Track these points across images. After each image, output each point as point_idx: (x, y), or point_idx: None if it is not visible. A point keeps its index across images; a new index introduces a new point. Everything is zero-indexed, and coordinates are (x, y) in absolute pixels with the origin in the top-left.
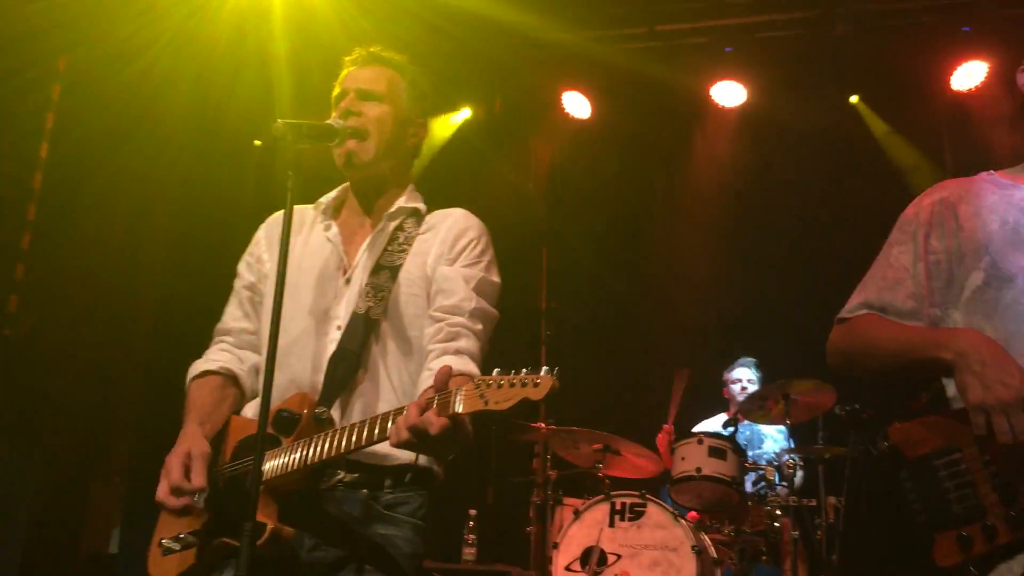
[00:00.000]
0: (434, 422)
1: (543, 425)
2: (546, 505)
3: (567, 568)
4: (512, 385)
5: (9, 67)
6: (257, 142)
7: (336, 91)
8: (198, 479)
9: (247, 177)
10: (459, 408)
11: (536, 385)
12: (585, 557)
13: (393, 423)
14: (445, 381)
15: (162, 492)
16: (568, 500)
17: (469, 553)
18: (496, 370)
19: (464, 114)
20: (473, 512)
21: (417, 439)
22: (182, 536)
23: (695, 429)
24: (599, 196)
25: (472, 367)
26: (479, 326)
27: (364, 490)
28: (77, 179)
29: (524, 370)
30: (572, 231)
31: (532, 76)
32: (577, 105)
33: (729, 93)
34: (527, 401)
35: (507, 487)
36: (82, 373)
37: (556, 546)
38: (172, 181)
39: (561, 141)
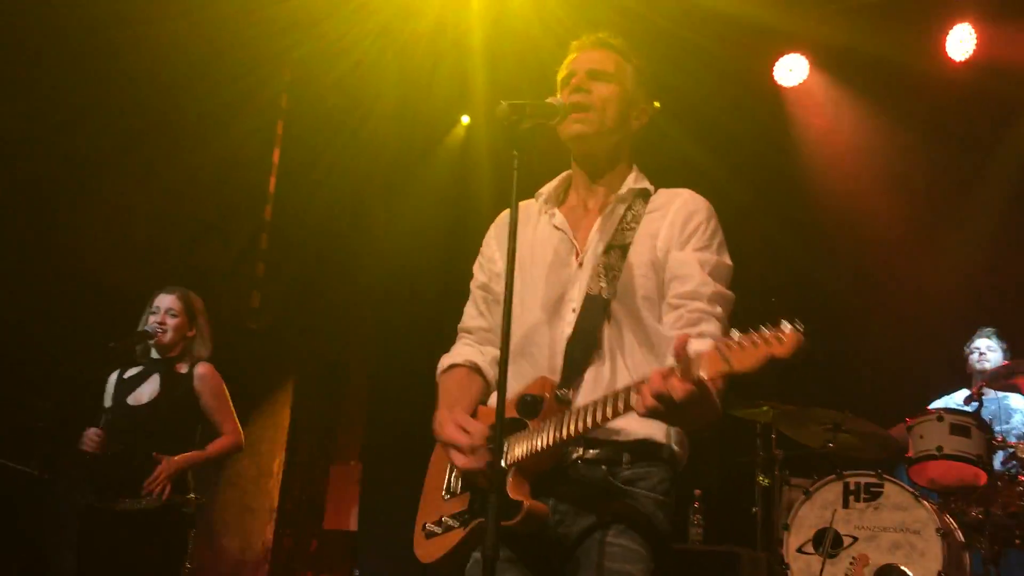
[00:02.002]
0: (678, 387)
1: (768, 404)
2: (773, 485)
3: (799, 550)
4: (755, 344)
5: (246, 86)
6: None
7: (563, 73)
8: (476, 427)
9: (443, 166)
10: (702, 372)
11: (781, 341)
12: (818, 539)
13: (637, 393)
14: (683, 349)
15: (461, 462)
16: (795, 480)
17: (696, 533)
18: (735, 332)
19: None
20: (698, 492)
21: (664, 405)
22: (443, 519)
23: (932, 406)
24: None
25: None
26: (719, 309)
27: (603, 466)
28: (305, 179)
29: (764, 328)
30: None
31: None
32: (792, 71)
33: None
34: (773, 360)
35: (731, 467)
36: (318, 363)
37: (787, 527)
38: (380, 172)
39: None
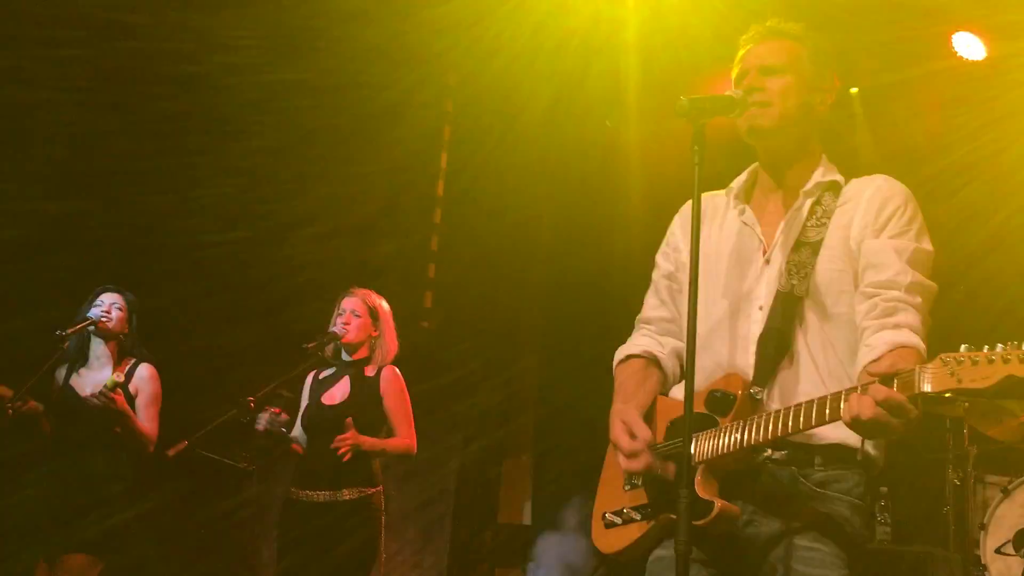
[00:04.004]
0: (899, 400)
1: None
2: (965, 483)
3: (998, 551)
4: (991, 361)
5: (410, 87)
6: (608, 122)
7: (736, 71)
8: (642, 431)
9: (601, 160)
10: (926, 387)
11: (1022, 360)
12: (1020, 539)
13: (846, 402)
14: (893, 361)
15: (623, 464)
16: (990, 478)
17: (883, 532)
18: (964, 346)
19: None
20: (884, 490)
21: (877, 420)
22: (624, 511)
23: None
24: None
25: (915, 340)
26: (918, 299)
27: (793, 467)
28: (470, 181)
29: (1000, 345)
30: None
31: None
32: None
33: None
34: (1013, 379)
35: (919, 464)
36: (488, 360)
37: (984, 527)
38: (544, 172)
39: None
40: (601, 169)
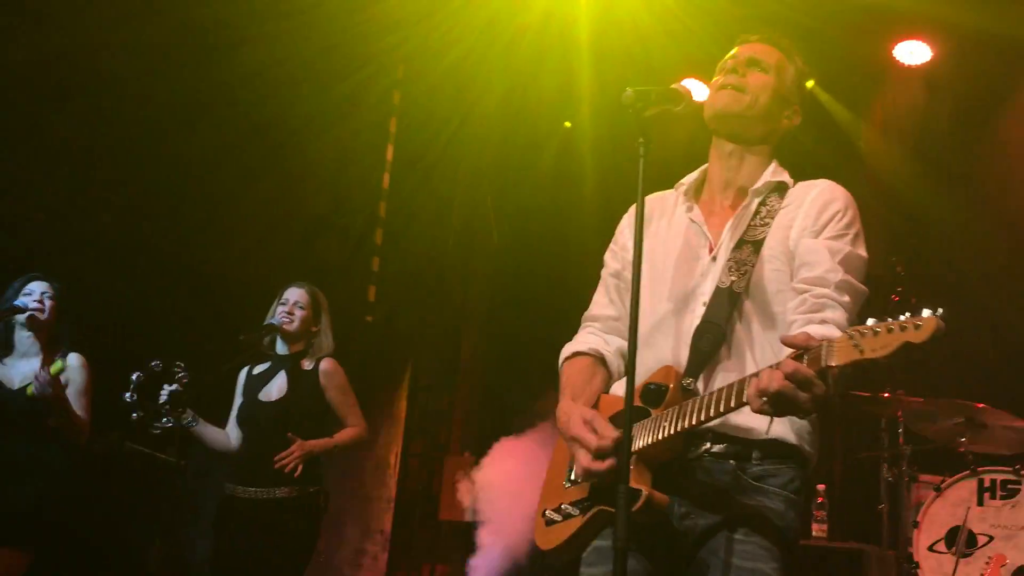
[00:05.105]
0: (807, 374)
1: (894, 394)
2: (900, 482)
3: (930, 548)
4: (890, 330)
5: (358, 81)
6: (567, 124)
7: (722, 60)
8: (607, 430)
9: (553, 158)
10: (832, 360)
11: (917, 328)
12: (951, 537)
13: (756, 377)
14: (806, 341)
15: (586, 463)
16: (924, 476)
17: (819, 530)
18: (870, 320)
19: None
20: (821, 487)
21: (791, 391)
22: (563, 507)
23: None
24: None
25: (838, 335)
26: (846, 298)
27: (731, 461)
28: (416, 175)
29: (902, 316)
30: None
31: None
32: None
33: None
34: (908, 346)
35: (855, 462)
36: (432, 354)
37: (917, 525)
38: (490, 166)
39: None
40: (554, 166)
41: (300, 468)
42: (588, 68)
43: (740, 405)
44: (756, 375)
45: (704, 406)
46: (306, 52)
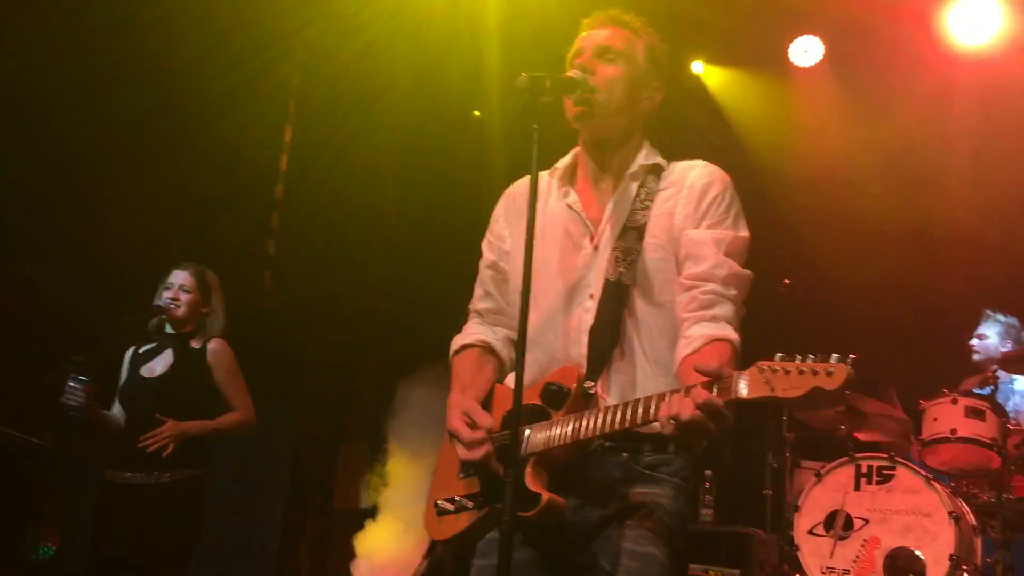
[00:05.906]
0: (718, 405)
1: None
2: (783, 467)
3: (810, 532)
4: (802, 373)
5: (256, 64)
6: (476, 112)
7: (572, 51)
8: (484, 420)
9: (461, 146)
10: (743, 393)
11: (829, 374)
12: (830, 521)
13: (666, 402)
14: (714, 363)
15: (462, 453)
16: (806, 463)
17: (706, 514)
18: (779, 354)
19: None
20: (709, 473)
21: (697, 423)
22: (457, 499)
23: None
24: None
25: (730, 332)
26: (733, 291)
27: (624, 454)
28: (316, 158)
29: (810, 356)
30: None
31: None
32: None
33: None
34: (819, 391)
35: (742, 449)
36: (329, 341)
37: (797, 509)
38: (395, 153)
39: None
40: (459, 153)
41: (171, 448)
42: (496, 53)
43: (647, 423)
44: (664, 397)
45: (609, 420)
46: (205, 33)
